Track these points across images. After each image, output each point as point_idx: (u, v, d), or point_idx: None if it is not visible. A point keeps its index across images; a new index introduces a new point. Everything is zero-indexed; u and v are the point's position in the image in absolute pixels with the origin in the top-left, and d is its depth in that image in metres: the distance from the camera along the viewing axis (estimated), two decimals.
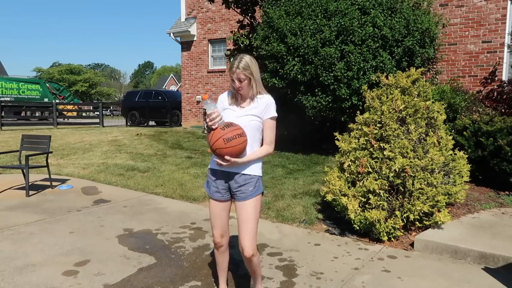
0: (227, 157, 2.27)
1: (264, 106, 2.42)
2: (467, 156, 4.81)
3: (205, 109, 2.34)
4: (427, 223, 3.93)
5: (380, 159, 3.99)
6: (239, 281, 3.06)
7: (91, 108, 31.24)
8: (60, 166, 7.71)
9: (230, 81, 2.41)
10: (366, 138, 4.16)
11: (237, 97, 2.45)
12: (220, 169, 2.43)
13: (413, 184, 3.85)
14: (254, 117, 2.40)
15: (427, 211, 3.83)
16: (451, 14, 8.95)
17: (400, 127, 4.07)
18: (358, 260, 3.50)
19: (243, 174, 2.41)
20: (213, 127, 2.29)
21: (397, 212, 3.83)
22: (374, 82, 6.85)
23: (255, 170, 2.45)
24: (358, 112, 4.63)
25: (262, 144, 2.48)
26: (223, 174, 2.45)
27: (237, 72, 2.34)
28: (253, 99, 2.44)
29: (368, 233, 3.98)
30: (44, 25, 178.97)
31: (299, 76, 7.49)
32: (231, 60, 2.42)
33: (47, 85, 25.14)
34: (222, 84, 14.64)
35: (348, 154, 4.24)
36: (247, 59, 2.36)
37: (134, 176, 6.87)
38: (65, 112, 20.38)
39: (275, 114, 2.46)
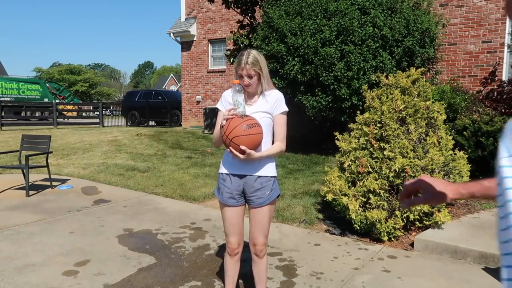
0: (242, 147, 2.09)
1: (273, 101, 2.29)
2: (467, 156, 4.80)
3: (232, 94, 2.20)
4: (427, 223, 3.93)
5: (380, 159, 3.99)
6: None
7: (91, 108, 31.24)
8: (60, 166, 7.71)
9: (237, 77, 2.26)
10: (366, 138, 4.16)
11: (244, 94, 2.29)
12: (233, 173, 2.30)
13: None
14: (265, 114, 2.28)
15: (427, 211, 3.83)
16: (451, 14, 8.95)
17: (400, 127, 4.07)
18: (358, 260, 3.50)
19: (259, 176, 2.28)
20: (232, 113, 2.16)
21: (397, 212, 3.83)
22: (374, 82, 6.85)
23: (270, 170, 2.32)
24: (358, 112, 4.63)
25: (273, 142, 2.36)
26: (237, 178, 2.30)
27: (246, 68, 2.20)
28: (261, 95, 2.32)
29: (368, 233, 3.97)
30: (44, 25, 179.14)
31: (299, 76, 7.49)
32: (237, 56, 2.33)
33: (47, 85, 25.13)
34: (222, 84, 14.63)
35: (348, 154, 4.24)
36: (255, 53, 2.24)
37: (134, 176, 6.87)
38: (65, 112, 20.38)
39: (286, 109, 2.33)
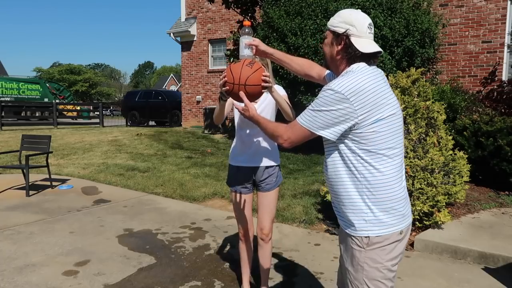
0: (264, 78, 1.97)
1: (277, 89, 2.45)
2: (467, 156, 4.80)
3: (241, 38, 2.03)
4: (427, 223, 3.93)
5: None
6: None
7: (91, 108, 31.21)
8: (60, 166, 7.71)
9: None
10: None
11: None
12: (243, 165, 2.53)
13: (413, 184, 3.85)
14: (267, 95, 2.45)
15: (427, 211, 3.83)
16: (451, 14, 8.95)
17: None
18: None
19: (266, 167, 2.53)
20: (248, 52, 2.02)
21: None
22: None
23: (275, 159, 2.57)
24: None
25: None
26: (247, 169, 2.54)
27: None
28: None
29: None
30: (44, 25, 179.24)
31: (299, 75, 7.49)
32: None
33: (47, 85, 25.11)
34: None
35: None
36: None
37: (134, 176, 6.87)
38: (65, 112, 20.36)
39: (285, 93, 2.52)
